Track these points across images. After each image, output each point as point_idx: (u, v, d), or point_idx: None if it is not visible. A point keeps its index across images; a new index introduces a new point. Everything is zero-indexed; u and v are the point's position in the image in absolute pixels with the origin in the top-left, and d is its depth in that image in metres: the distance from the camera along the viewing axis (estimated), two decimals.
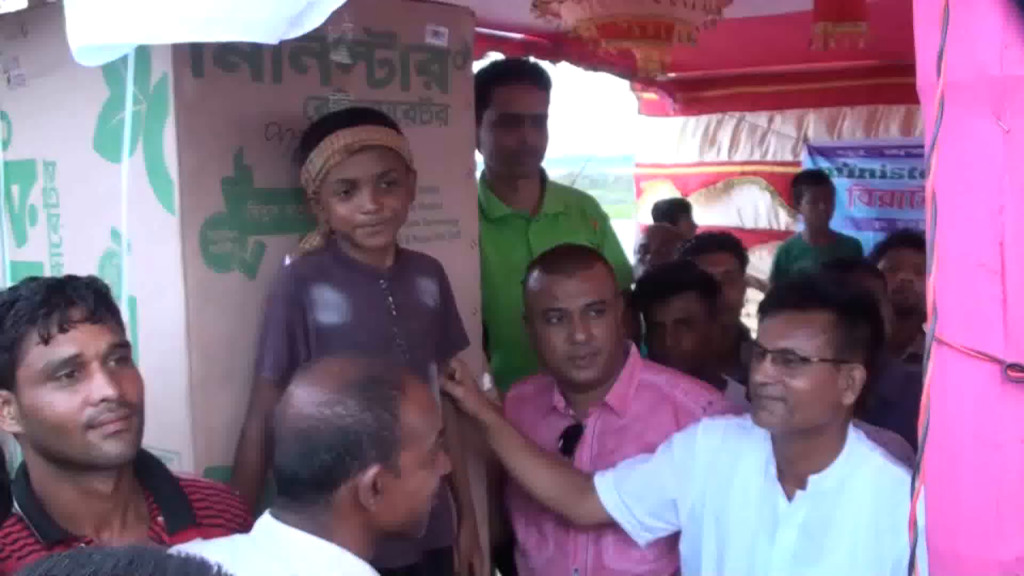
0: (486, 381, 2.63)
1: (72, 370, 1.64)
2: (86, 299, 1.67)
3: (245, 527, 1.71)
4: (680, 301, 3.05)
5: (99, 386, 1.64)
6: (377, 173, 2.13)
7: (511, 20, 4.49)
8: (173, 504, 1.79)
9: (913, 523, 0.97)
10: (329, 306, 2.17)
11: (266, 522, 1.62)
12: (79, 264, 2.33)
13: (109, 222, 2.22)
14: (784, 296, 2.14)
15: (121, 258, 2.21)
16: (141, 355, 2.06)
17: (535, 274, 2.46)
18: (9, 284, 2.51)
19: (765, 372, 2.03)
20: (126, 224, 2.18)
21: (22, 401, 1.65)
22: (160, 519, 1.77)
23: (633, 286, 3.46)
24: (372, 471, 1.56)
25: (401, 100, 2.47)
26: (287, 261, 2.20)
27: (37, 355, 1.64)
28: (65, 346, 1.64)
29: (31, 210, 2.47)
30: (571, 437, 2.49)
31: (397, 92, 2.48)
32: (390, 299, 2.23)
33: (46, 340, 1.63)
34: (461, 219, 2.67)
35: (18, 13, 2.44)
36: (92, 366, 1.65)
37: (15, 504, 1.64)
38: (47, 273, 2.42)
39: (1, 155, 2.53)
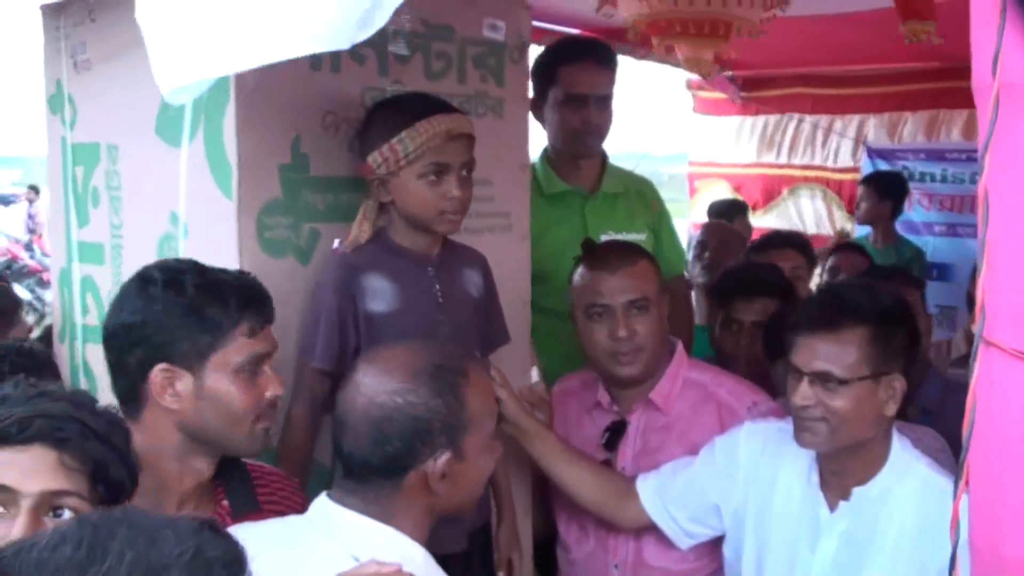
0: (534, 374, 2.64)
1: (257, 367, 1.75)
2: (268, 302, 1.81)
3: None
4: (762, 303, 3.03)
5: (275, 385, 1.77)
6: (465, 161, 2.18)
7: (566, 13, 4.49)
8: (239, 489, 1.84)
9: (955, 522, 0.96)
10: (378, 294, 2.20)
11: (322, 504, 1.64)
12: (138, 246, 2.38)
13: (168, 206, 2.27)
14: (815, 314, 2.05)
15: (178, 241, 2.26)
16: None
17: (579, 270, 2.47)
18: (75, 264, 2.59)
19: (804, 395, 1.99)
20: (184, 208, 2.23)
21: (204, 383, 1.72)
22: (225, 502, 1.81)
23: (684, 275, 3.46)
24: (444, 457, 1.59)
25: (457, 92, 2.48)
26: (336, 245, 2.23)
27: (241, 346, 1.73)
28: (262, 343, 1.76)
29: (94, 192, 2.53)
30: (615, 433, 2.49)
31: (453, 84, 2.50)
32: (437, 287, 2.26)
33: (253, 334, 1.73)
34: (513, 212, 2.68)
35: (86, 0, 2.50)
36: (265, 366, 1.77)
37: None
38: (107, 254, 2.48)
39: (68, 137, 2.59)
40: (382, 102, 2.26)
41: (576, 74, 3.17)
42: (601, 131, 3.25)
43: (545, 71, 3.20)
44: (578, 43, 3.51)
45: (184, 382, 1.71)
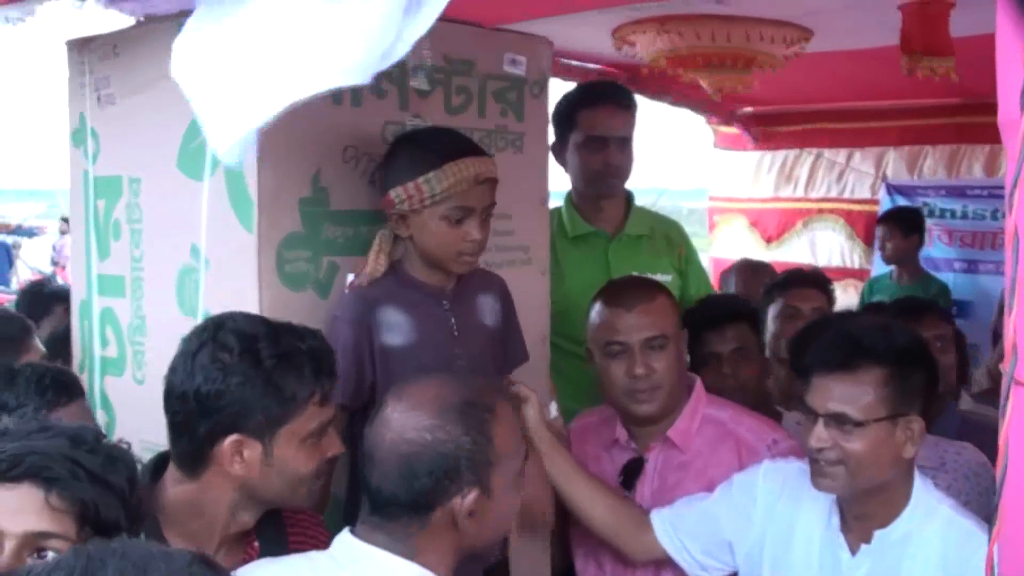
0: (553, 409, 2.63)
1: (324, 432, 1.76)
2: (335, 365, 1.83)
3: None
4: (734, 331, 3.01)
5: (336, 445, 1.78)
6: (487, 204, 2.18)
7: (587, 50, 4.51)
8: (270, 532, 1.83)
9: (990, 567, 0.94)
10: (394, 328, 2.19)
11: (345, 540, 1.64)
12: (159, 279, 2.39)
13: (189, 239, 2.28)
14: (830, 355, 1.99)
15: (199, 274, 2.27)
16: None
17: (596, 307, 2.45)
18: (95, 296, 2.60)
19: (819, 437, 1.96)
20: (205, 241, 2.24)
21: (273, 451, 1.70)
22: (256, 544, 1.81)
23: None
24: (472, 495, 1.59)
25: (477, 127, 2.49)
26: (350, 278, 2.23)
27: (312, 414, 1.72)
28: (329, 408, 1.76)
29: (115, 225, 2.54)
30: (632, 471, 2.47)
31: (473, 119, 2.51)
32: (452, 320, 2.25)
33: (324, 401, 1.73)
34: (533, 246, 2.68)
35: (110, 34, 2.52)
36: (330, 427, 1.77)
37: None
38: (128, 286, 2.49)
39: (90, 171, 2.61)
40: (409, 136, 2.24)
41: (595, 117, 3.21)
42: (622, 172, 3.28)
43: (565, 116, 3.25)
44: (596, 87, 3.56)
45: (253, 450, 1.70)
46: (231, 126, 1.62)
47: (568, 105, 3.27)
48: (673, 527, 2.28)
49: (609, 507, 2.36)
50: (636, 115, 3.32)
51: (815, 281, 3.79)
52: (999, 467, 0.97)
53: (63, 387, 2.13)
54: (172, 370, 1.73)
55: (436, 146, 2.15)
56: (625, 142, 3.26)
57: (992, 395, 3.39)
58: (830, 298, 3.82)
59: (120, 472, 1.43)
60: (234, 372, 1.67)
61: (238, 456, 1.69)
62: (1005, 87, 0.99)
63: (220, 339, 1.70)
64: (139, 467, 1.58)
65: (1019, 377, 0.96)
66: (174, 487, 1.74)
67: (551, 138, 2.91)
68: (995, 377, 3.91)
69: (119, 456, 1.46)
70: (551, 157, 2.91)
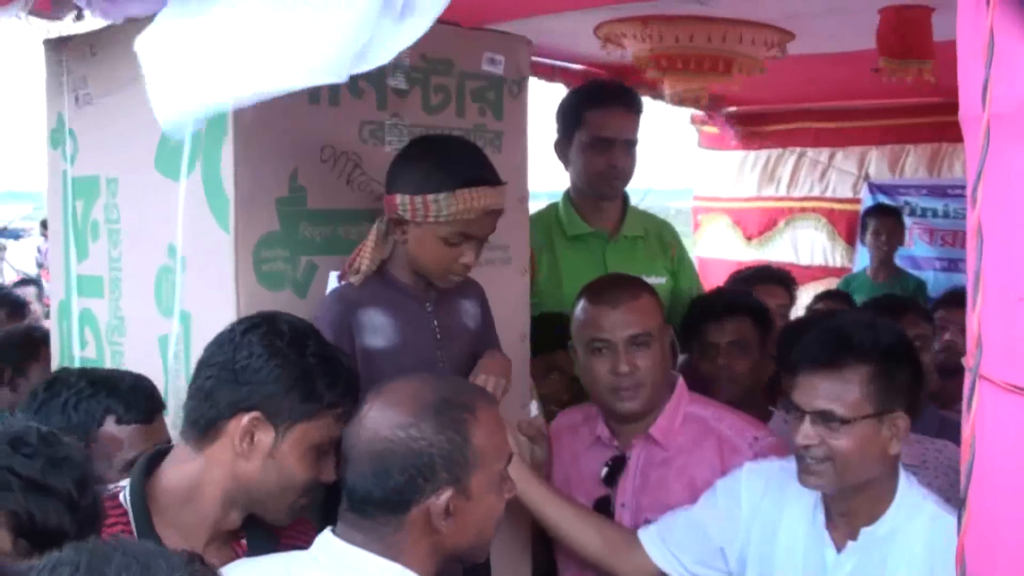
0: (533, 408, 2.62)
1: (330, 449, 1.75)
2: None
3: None
4: (734, 324, 3.04)
5: (330, 471, 1.77)
6: (488, 232, 2.17)
7: (571, 51, 4.51)
8: (259, 532, 1.83)
9: (961, 560, 0.95)
10: (376, 330, 2.18)
11: (326, 540, 1.63)
12: (136, 279, 2.38)
13: (166, 238, 2.27)
14: (816, 352, 2.00)
15: (176, 274, 2.26)
16: (193, 370, 2.09)
17: (581, 304, 2.45)
18: (74, 297, 2.58)
19: (806, 434, 1.97)
20: (182, 241, 2.23)
21: (281, 445, 1.73)
22: (244, 542, 1.81)
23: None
24: (446, 494, 1.58)
25: (455, 126, 2.49)
26: (336, 275, 2.22)
27: (329, 425, 1.74)
28: (339, 429, 1.75)
29: (93, 225, 2.53)
30: (614, 468, 2.47)
31: (452, 118, 2.50)
32: (435, 323, 2.24)
33: (343, 418, 1.73)
34: (512, 245, 2.68)
35: (88, 34, 2.51)
36: (330, 452, 1.77)
37: (124, 497, 1.70)
38: (106, 287, 2.48)
39: (68, 171, 2.60)
40: (431, 145, 2.17)
41: (603, 118, 3.22)
42: (626, 175, 3.30)
43: (571, 113, 3.25)
44: (605, 87, 3.57)
45: (265, 436, 1.72)
46: (182, 100, 1.61)
47: (575, 104, 3.28)
48: (663, 540, 2.27)
49: (597, 531, 2.34)
50: (641, 118, 3.33)
51: (780, 279, 3.85)
52: (965, 461, 0.98)
53: (158, 399, 2.14)
54: (216, 344, 1.78)
55: (455, 167, 2.09)
56: (631, 145, 3.27)
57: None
58: (793, 297, 3.87)
59: (64, 475, 1.39)
60: (279, 355, 1.72)
61: (249, 436, 1.71)
62: (967, 83, 0.99)
63: (275, 325, 1.77)
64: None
65: (984, 372, 0.97)
66: (171, 471, 1.75)
67: (531, 136, 2.91)
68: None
69: (65, 456, 1.42)
70: (536, 155, 2.91)
